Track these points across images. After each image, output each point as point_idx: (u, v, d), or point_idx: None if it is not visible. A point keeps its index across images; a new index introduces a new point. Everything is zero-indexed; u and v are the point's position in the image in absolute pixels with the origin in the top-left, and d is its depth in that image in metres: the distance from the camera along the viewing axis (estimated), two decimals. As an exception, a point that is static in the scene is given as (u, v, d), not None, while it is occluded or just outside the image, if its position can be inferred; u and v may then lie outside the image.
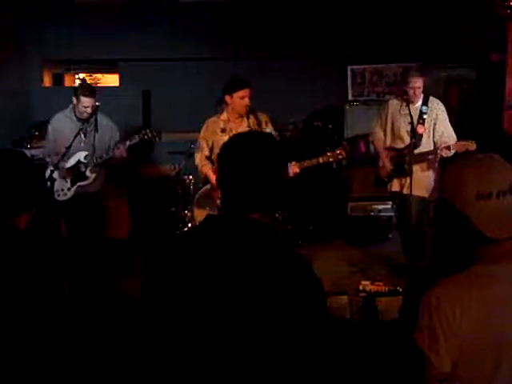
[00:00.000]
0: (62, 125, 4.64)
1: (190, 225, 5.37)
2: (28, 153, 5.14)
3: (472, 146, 4.11)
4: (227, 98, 4.13)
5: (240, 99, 4.05)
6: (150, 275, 1.50)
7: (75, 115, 4.61)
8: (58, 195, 4.65)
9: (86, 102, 4.49)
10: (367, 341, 3.03)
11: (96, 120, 4.56)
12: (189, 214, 5.42)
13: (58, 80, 7.57)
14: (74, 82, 7.61)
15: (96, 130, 4.57)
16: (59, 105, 4.89)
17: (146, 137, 4.46)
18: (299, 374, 1.36)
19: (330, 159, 4.10)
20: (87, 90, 4.57)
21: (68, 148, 4.42)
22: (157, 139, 4.54)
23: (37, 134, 6.33)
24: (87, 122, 4.55)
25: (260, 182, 1.44)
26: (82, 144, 4.57)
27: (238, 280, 1.36)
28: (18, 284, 1.65)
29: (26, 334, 1.64)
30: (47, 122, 4.88)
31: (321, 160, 4.09)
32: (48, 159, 4.76)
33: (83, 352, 1.82)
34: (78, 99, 4.52)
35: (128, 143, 4.48)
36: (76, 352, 1.76)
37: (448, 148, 4.23)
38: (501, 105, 5.73)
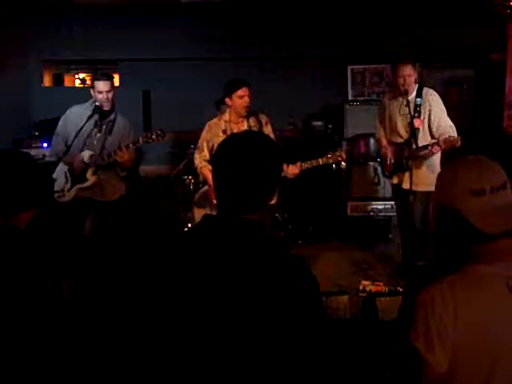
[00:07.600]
0: (77, 117, 4.32)
1: (189, 225, 5.37)
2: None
3: (457, 142, 4.07)
4: (227, 100, 4.16)
5: (239, 98, 4.07)
6: (148, 276, 1.49)
7: (94, 108, 4.33)
8: (58, 197, 4.29)
9: (100, 86, 4.23)
10: (367, 341, 3.03)
11: (114, 120, 4.35)
12: (189, 214, 5.42)
13: (58, 80, 7.58)
14: (74, 82, 7.62)
15: (110, 131, 4.34)
16: (59, 105, 4.87)
17: (149, 140, 4.24)
18: (296, 375, 1.36)
19: (330, 160, 4.13)
20: (101, 74, 4.44)
21: (74, 138, 4.14)
22: (160, 138, 4.24)
23: (37, 134, 6.33)
24: (104, 119, 4.31)
25: (255, 183, 1.43)
26: (95, 142, 4.29)
27: (234, 281, 1.36)
28: (16, 283, 1.65)
29: (24, 333, 1.64)
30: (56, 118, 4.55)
31: (320, 161, 4.13)
32: (51, 158, 4.46)
33: (82, 352, 1.82)
34: (93, 86, 4.28)
35: (131, 146, 4.23)
36: (75, 352, 1.76)
37: (437, 144, 4.21)
38: (500, 105, 5.73)
